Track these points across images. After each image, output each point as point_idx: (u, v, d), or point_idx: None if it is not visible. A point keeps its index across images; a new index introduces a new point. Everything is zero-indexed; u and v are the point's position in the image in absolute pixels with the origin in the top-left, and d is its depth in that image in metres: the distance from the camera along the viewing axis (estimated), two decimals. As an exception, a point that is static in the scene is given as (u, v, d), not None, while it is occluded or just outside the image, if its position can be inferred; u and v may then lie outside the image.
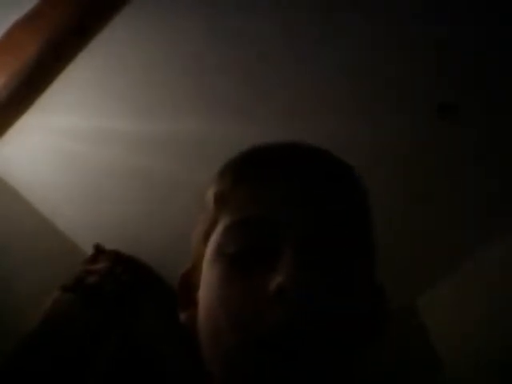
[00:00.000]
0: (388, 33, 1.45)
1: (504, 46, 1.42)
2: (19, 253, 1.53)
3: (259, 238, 0.44)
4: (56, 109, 1.53)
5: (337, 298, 0.42)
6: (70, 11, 1.27)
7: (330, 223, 0.45)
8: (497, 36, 1.41)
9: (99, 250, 1.36)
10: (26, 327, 1.05)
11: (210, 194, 0.51)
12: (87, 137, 1.60)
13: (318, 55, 1.49)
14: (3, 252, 1.50)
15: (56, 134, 1.60)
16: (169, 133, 1.61)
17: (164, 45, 1.45)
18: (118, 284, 1.19)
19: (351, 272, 0.44)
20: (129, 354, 1.12)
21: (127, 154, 1.64)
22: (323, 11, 1.42)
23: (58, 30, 1.29)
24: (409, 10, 1.40)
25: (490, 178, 1.68)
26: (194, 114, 1.59)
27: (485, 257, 1.79)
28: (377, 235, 0.55)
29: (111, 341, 1.11)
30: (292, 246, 0.42)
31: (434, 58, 1.47)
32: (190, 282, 0.50)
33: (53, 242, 1.71)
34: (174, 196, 1.73)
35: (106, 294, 1.15)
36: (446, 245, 1.83)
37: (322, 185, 0.47)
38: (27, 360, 1.00)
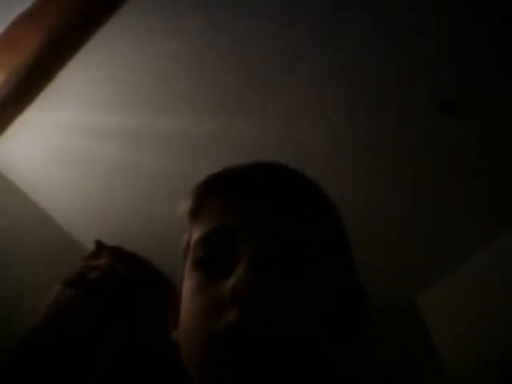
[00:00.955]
0: (388, 32, 1.46)
1: (504, 43, 1.43)
2: (20, 249, 1.53)
3: (223, 247, 0.48)
4: (56, 105, 1.53)
5: (291, 299, 0.44)
6: (70, 8, 1.27)
7: (286, 232, 0.48)
8: (497, 32, 1.42)
9: (100, 246, 1.35)
10: (27, 323, 1.05)
11: (183, 212, 0.56)
12: (88, 133, 1.61)
13: (318, 55, 1.50)
14: (4, 248, 1.49)
15: (57, 131, 1.60)
16: (170, 129, 1.61)
17: (165, 41, 1.45)
18: (119, 280, 1.19)
19: (309, 276, 0.46)
20: (129, 349, 1.12)
21: (128, 151, 1.64)
22: (323, 11, 1.42)
23: (58, 27, 1.29)
24: (409, 9, 1.41)
25: (490, 178, 1.69)
26: (195, 111, 1.59)
27: (485, 257, 1.79)
28: (352, 239, 0.57)
29: (112, 336, 1.10)
30: (248, 253, 0.45)
31: (434, 56, 1.47)
32: (178, 302, 0.53)
33: (54, 237, 1.71)
34: (176, 192, 1.72)
35: (107, 289, 1.15)
36: (446, 244, 1.84)
37: (279, 197, 0.50)
38: (29, 356, 1.00)
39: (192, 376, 0.47)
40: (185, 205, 0.55)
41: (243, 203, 0.50)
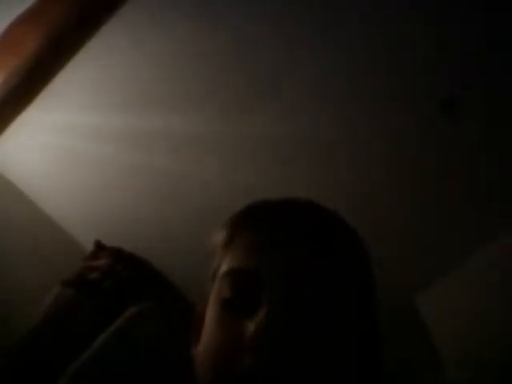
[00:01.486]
0: (388, 32, 1.46)
1: (504, 43, 1.43)
2: (20, 249, 1.53)
3: (247, 288, 0.48)
4: (56, 106, 1.53)
5: (306, 352, 0.45)
6: (70, 8, 1.27)
7: (311, 281, 0.47)
8: (497, 32, 1.42)
9: (100, 247, 1.35)
10: (27, 324, 1.05)
11: (216, 241, 0.57)
12: (88, 134, 1.61)
13: (318, 55, 1.50)
14: (3, 249, 1.49)
15: (56, 131, 1.60)
16: (170, 129, 1.61)
17: (164, 42, 1.45)
18: (118, 280, 1.19)
19: (328, 330, 0.47)
20: (129, 350, 1.12)
21: (127, 151, 1.64)
22: (323, 11, 1.42)
23: (58, 27, 1.29)
24: (409, 8, 1.41)
25: (490, 178, 1.69)
26: (194, 111, 1.59)
27: (485, 257, 1.79)
28: (377, 293, 0.56)
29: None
30: (270, 299, 0.46)
31: (434, 56, 1.47)
32: (202, 318, 0.54)
33: (53, 238, 1.71)
34: (175, 193, 1.73)
35: (107, 290, 1.15)
36: (446, 244, 1.84)
37: (312, 244, 0.50)
38: (28, 356, 1.00)
39: None
40: (219, 235, 0.57)
41: (272, 245, 0.50)
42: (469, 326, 1.72)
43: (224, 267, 0.52)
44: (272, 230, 0.51)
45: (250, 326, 0.45)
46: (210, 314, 0.51)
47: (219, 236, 0.57)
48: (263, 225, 0.52)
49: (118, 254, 1.28)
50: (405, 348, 1.85)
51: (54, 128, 1.59)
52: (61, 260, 1.40)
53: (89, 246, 1.53)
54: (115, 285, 1.15)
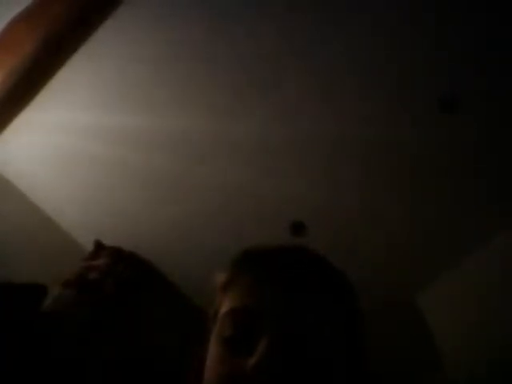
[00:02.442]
0: (388, 32, 1.46)
1: (504, 43, 1.43)
2: (19, 249, 1.53)
3: (247, 326, 0.53)
4: (55, 106, 1.53)
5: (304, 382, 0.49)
6: (68, 8, 1.27)
7: (306, 316, 0.52)
8: (497, 32, 1.42)
9: (99, 247, 1.35)
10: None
11: (217, 282, 0.61)
12: (86, 134, 1.61)
13: (318, 55, 1.50)
14: (3, 248, 1.49)
15: (55, 131, 1.60)
16: (169, 130, 1.61)
17: (163, 42, 1.45)
18: (118, 280, 1.19)
19: (322, 362, 0.51)
20: (129, 350, 1.12)
21: (127, 151, 1.64)
22: (324, 10, 1.42)
23: (56, 27, 1.29)
24: (409, 9, 1.41)
25: (490, 178, 1.69)
26: (194, 111, 1.59)
27: (485, 257, 1.79)
28: (367, 340, 0.60)
29: (112, 337, 1.10)
30: (268, 335, 0.50)
31: (434, 56, 1.47)
32: (202, 361, 0.57)
33: (53, 238, 1.70)
34: (175, 193, 1.73)
35: (107, 290, 1.15)
36: (446, 244, 1.84)
37: (303, 283, 0.55)
38: (28, 357, 1.00)
39: None
40: (219, 277, 0.61)
41: (268, 286, 0.54)
42: (469, 326, 1.72)
43: (224, 308, 0.56)
44: (268, 273, 0.56)
45: (251, 360, 0.49)
46: (213, 352, 0.55)
47: (218, 279, 0.61)
48: (259, 268, 0.57)
49: (118, 254, 1.28)
50: (405, 348, 1.85)
51: (53, 128, 1.59)
52: (61, 260, 1.40)
53: (88, 246, 1.53)
54: (115, 285, 1.15)
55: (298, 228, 1.80)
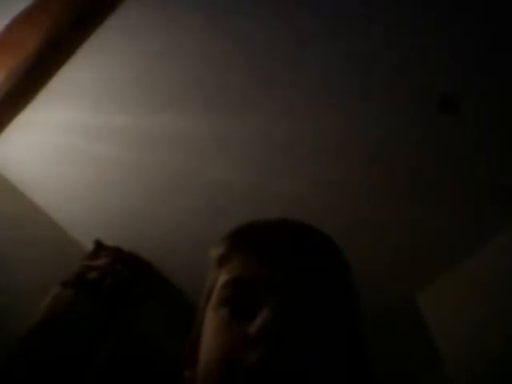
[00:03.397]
0: (388, 32, 1.46)
1: (504, 43, 1.43)
2: (19, 249, 1.53)
3: (246, 292, 0.53)
4: (56, 105, 1.53)
5: (310, 343, 0.50)
6: (69, 6, 1.27)
7: (305, 285, 0.53)
8: (497, 32, 1.42)
9: (99, 246, 1.35)
10: (27, 324, 1.05)
11: (212, 256, 0.61)
12: (87, 133, 1.61)
13: (318, 54, 1.50)
14: (3, 248, 1.49)
15: (55, 131, 1.60)
16: (170, 129, 1.61)
17: (164, 40, 1.45)
18: (118, 280, 1.19)
19: (325, 322, 0.52)
20: (129, 349, 1.12)
21: (127, 150, 1.64)
22: (324, 10, 1.42)
23: (57, 26, 1.29)
24: (408, 9, 1.41)
25: (490, 177, 1.69)
26: (195, 110, 1.59)
27: (485, 257, 1.79)
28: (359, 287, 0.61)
29: (111, 337, 1.10)
30: (271, 301, 0.51)
31: (434, 55, 1.47)
32: (195, 344, 0.57)
33: (53, 237, 1.71)
34: (175, 192, 1.73)
35: (107, 289, 1.15)
36: (446, 244, 1.84)
37: (300, 254, 0.56)
38: (27, 357, 1.00)
39: None
40: (215, 251, 0.61)
41: (267, 257, 0.55)
42: (469, 326, 1.72)
43: (222, 279, 0.56)
44: (266, 245, 0.56)
45: (254, 324, 0.48)
46: (210, 325, 0.54)
47: (215, 253, 0.61)
48: (258, 240, 0.57)
49: (118, 254, 1.28)
50: (405, 348, 1.85)
51: (54, 127, 1.59)
52: (61, 259, 1.41)
53: (88, 246, 1.54)
54: (115, 284, 1.15)
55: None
